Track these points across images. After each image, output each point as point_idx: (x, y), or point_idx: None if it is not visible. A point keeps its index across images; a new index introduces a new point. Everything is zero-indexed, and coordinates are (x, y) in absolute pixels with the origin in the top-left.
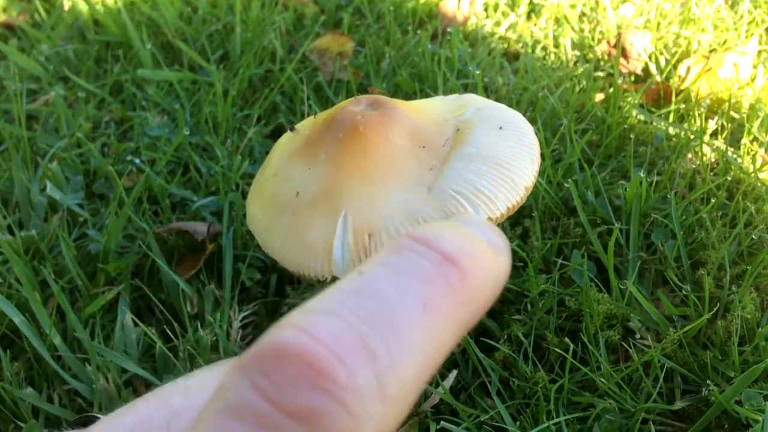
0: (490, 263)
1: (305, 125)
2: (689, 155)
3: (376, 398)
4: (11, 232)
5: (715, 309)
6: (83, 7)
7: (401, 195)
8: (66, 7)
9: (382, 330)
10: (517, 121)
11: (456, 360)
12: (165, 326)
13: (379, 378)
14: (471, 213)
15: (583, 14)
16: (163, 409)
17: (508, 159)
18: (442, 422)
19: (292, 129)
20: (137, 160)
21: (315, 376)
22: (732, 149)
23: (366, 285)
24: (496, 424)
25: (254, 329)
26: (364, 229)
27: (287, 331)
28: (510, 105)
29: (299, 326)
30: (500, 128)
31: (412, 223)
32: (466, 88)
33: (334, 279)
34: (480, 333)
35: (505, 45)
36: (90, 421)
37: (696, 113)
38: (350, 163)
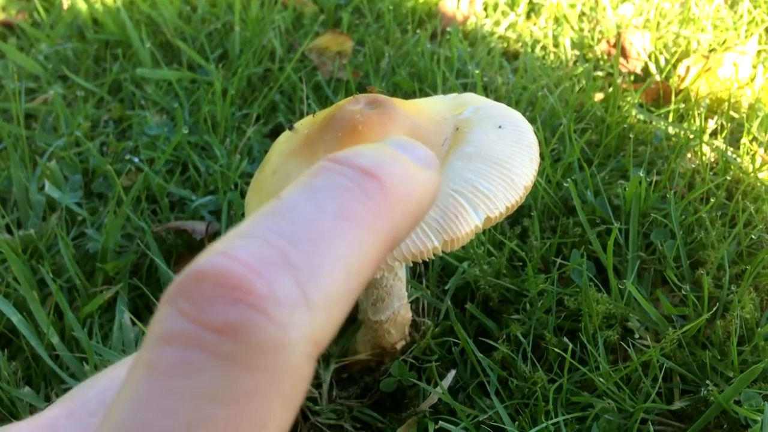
0: (411, 174)
1: (304, 124)
2: (689, 155)
3: (299, 306)
4: (9, 231)
5: (714, 309)
6: (82, 6)
7: None
8: (65, 6)
9: (299, 242)
10: (516, 120)
11: (454, 360)
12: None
13: (301, 286)
14: (470, 212)
15: (583, 14)
16: None
17: (507, 158)
18: (440, 422)
19: (291, 128)
20: (136, 159)
21: (234, 292)
22: (731, 149)
23: (283, 205)
24: (495, 424)
25: None
26: None
27: (206, 257)
28: (509, 104)
29: (218, 251)
30: (499, 127)
31: None
32: (465, 88)
33: None
34: (479, 333)
35: (505, 44)
36: None
37: (695, 113)
38: None
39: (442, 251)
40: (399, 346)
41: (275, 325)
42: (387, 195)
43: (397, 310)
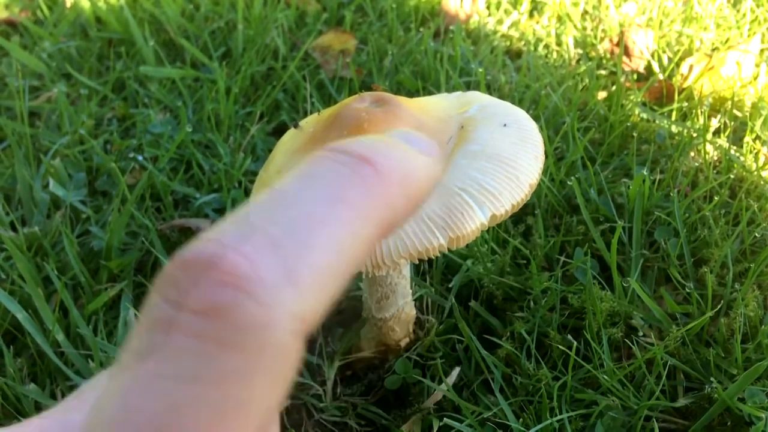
0: (409, 159)
1: (309, 122)
2: (692, 153)
3: (284, 284)
4: (14, 229)
5: (718, 307)
6: (85, 4)
7: None
8: (68, 4)
9: (287, 223)
10: (521, 118)
11: (459, 357)
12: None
13: (287, 265)
14: (475, 210)
15: (586, 12)
16: None
17: (513, 156)
18: (445, 419)
19: (296, 126)
20: (140, 157)
21: (218, 274)
22: (735, 147)
23: (276, 191)
24: (499, 420)
25: None
26: None
27: (194, 244)
28: (513, 103)
29: (206, 238)
30: (504, 125)
31: (416, 219)
32: (468, 86)
33: None
34: (482, 330)
35: (508, 43)
36: None
37: (698, 111)
38: None
39: (448, 249)
40: (403, 343)
41: (259, 303)
42: (382, 179)
43: (402, 308)
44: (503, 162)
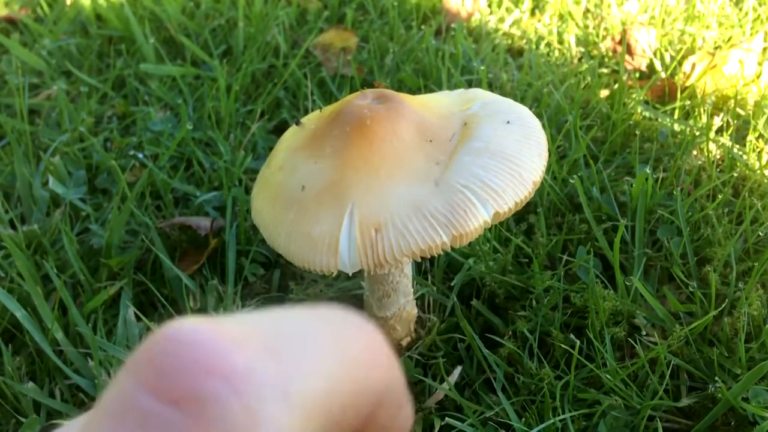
0: None
1: (311, 119)
2: (694, 152)
3: (278, 398)
4: (13, 227)
5: (721, 306)
6: (85, 2)
7: (408, 189)
8: (68, 2)
9: (290, 337)
10: (524, 115)
11: (460, 356)
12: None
13: (282, 379)
14: (479, 207)
15: (588, 10)
16: None
17: (516, 153)
18: (446, 418)
19: (297, 123)
20: (140, 155)
21: (208, 360)
22: (737, 146)
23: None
24: (501, 420)
25: None
26: (370, 223)
27: (182, 321)
28: (515, 101)
29: (197, 320)
30: (507, 122)
31: (419, 217)
32: (470, 84)
33: (340, 274)
34: (484, 329)
35: (509, 41)
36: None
37: (701, 110)
38: (357, 157)
39: (451, 247)
40: (404, 342)
41: (246, 410)
42: None
43: (403, 307)
44: (507, 159)
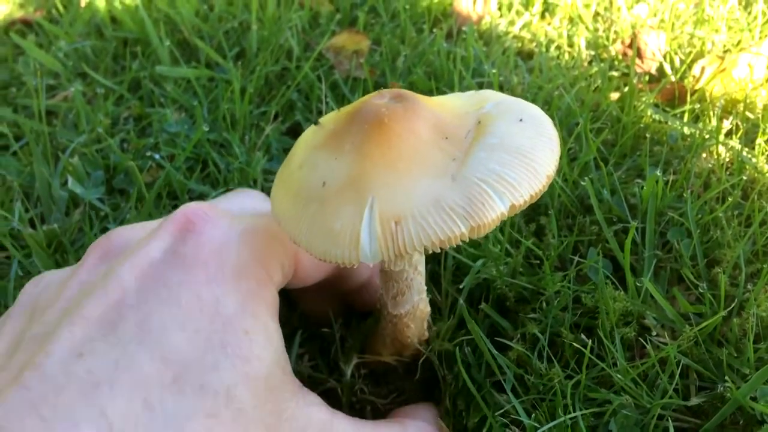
0: None
1: (328, 120)
2: (704, 155)
3: (227, 218)
4: (33, 226)
5: (730, 307)
6: (101, 4)
7: (426, 183)
8: (83, 4)
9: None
10: (536, 114)
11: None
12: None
13: (228, 211)
14: (495, 199)
15: (597, 14)
16: None
17: (530, 149)
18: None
19: (316, 123)
20: (157, 156)
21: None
22: (747, 149)
23: None
24: (513, 417)
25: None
26: (390, 216)
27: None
28: None
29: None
30: (520, 120)
31: (438, 210)
32: (481, 87)
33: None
34: (492, 333)
35: (520, 44)
36: None
37: (711, 113)
38: (376, 153)
39: (469, 238)
40: (416, 341)
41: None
42: None
43: (417, 304)
44: (521, 154)
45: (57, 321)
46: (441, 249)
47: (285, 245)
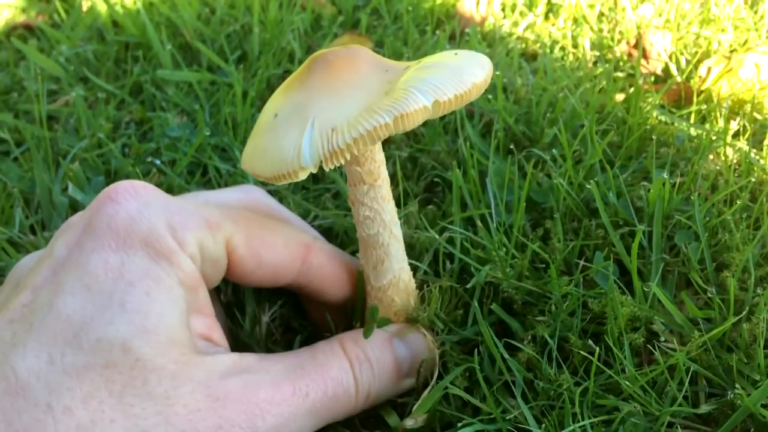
0: None
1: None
2: (711, 156)
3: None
4: (34, 233)
5: (741, 313)
6: (102, 8)
7: (363, 99)
8: (84, 8)
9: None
10: (472, 51)
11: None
12: None
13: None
14: (418, 95)
15: (602, 14)
16: None
17: (459, 65)
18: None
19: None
20: (158, 161)
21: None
22: (755, 150)
23: None
24: (520, 425)
25: (282, 326)
26: (327, 125)
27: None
28: (530, 105)
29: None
30: (455, 54)
31: (369, 112)
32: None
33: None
34: (503, 334)
35: (523, 45)
36: None
37: (717, 114)
38: (319, 84)
39: (395, 130)
40: (402, 318)
41: None
42: None
43: (398, 275)
44: (449, 68)
45: (14, 291)
46: (372, 144)
47: (213, 228)
